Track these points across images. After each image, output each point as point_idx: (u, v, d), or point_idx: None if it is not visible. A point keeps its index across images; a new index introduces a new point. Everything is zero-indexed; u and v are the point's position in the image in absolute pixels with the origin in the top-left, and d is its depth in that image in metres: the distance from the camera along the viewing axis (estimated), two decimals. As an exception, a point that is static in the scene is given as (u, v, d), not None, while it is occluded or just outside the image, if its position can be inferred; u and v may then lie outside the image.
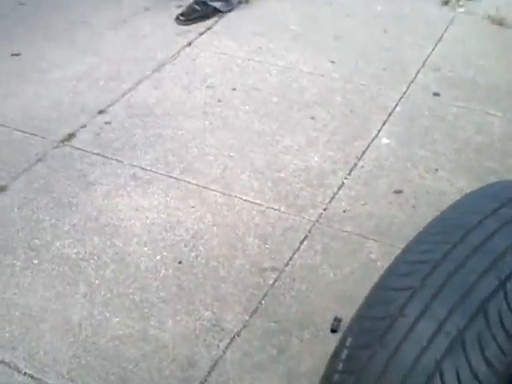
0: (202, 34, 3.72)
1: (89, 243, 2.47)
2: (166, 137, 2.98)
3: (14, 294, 2.29)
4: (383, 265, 2.35)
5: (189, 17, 3.82)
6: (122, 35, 3.75)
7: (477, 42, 3.57)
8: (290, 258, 2.39)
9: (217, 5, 3.84)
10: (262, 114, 3.09)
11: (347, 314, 2.18)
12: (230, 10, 3.88)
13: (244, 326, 2.16)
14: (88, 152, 2.91)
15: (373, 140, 2.92)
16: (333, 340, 2.05)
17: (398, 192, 2.67)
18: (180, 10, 3.90)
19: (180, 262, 2.38)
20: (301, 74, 3.35)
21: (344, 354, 1.28)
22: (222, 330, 2.14)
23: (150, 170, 2.79)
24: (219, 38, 3.67)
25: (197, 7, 3.85)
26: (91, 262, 2.40)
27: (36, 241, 2.49)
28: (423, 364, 1.18)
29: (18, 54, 3.59)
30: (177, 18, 3.83)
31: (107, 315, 2.20)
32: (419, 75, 3.32)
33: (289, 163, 2.80)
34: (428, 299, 1.26)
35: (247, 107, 3.14)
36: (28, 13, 4.00)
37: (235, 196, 2.65)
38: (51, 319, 2.20)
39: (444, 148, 2.88)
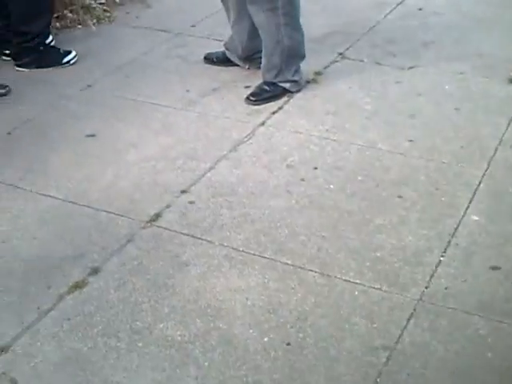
0: (274, 113, 3.75)
1: (192, 325, 2.45)
2: (253, 216, 2.98)
3: (124, 377, 2.27)
4: (494, 341, 2.33)
5: (259, 97, 3.86)
6: (192, 115, 3.79)
7: (550, 118, 3.60)
8: (400, 336, 2.37)
9: (286, 85, 3.88)
10: (349, 193, 3.09)
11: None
12: (298, 91, 3.92)
13: (363, 409, 2.13)
14: (176, 232, 2.91)
15: (462, 217, 2.91)
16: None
17: (496, 268, 2.65)
18: (247, 90, 3.94)
19: (288, 344, 2.36)
20: (380, 152, 3.36)
21: None
22: (343, 413, 2.12)
23: (243, 251, 2.79)
24: (292, 118, 3.70)
25: (266, 87, 3.89)
26: (197, 344, 2.38)
27: (137, 323, 2.48)
28: None
29: (93, 135, 3.63)
30: (247, 98, 3.86)
31: (223, 399, 2.18)
32: (498, 152, 3.33)
33: (384, 242, 2.79)
34: None
35: (332, 186, 3.14)
36: (96, 94, 4.06)
37: (334, 276, 2.64)
38: (166, 403, 2.18)
39: (536, 224, 2.88)
